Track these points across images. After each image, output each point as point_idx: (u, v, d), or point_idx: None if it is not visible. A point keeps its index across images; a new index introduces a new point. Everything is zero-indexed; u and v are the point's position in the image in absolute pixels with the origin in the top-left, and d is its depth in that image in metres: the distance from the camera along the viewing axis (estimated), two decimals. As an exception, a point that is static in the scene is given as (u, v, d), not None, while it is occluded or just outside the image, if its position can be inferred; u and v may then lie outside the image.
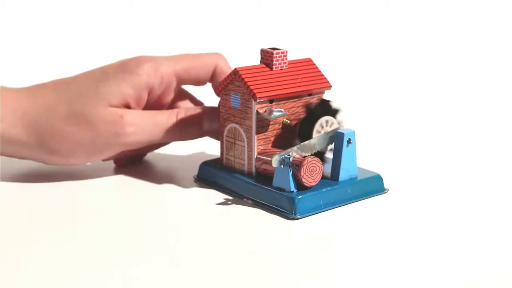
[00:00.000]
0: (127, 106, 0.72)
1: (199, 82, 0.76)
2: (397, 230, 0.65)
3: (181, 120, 0.74)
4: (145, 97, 0.73)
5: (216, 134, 0.75)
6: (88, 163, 0.78)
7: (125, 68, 0.72)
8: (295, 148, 0.68)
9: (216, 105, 0.74)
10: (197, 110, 0.74)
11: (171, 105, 0.78)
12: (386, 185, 0.72)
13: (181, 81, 0.75)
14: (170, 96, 0.76)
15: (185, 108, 0.75)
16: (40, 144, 0.72)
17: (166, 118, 0.73)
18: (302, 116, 0.72)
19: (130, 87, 0.72)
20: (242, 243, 0.63)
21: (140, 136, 0.72)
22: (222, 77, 0.74)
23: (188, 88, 0.79)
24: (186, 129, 0.74)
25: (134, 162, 0.79)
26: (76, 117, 0.71)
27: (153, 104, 0.75)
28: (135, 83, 0.72)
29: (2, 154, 0.74)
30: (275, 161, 0.67)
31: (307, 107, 0.71)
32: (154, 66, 0.73)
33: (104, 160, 0.76)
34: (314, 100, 0.72)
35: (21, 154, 0.73)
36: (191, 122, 0.74)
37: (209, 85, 0.77)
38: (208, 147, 0.81)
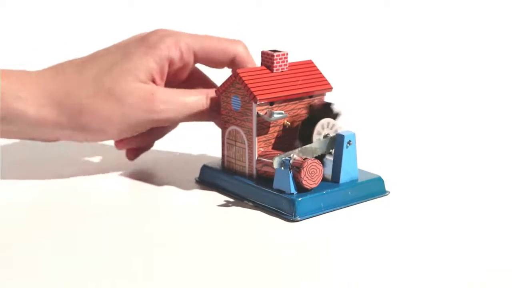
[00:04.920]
0: (153, 81, 0.73)
1: (215, 65, 0.76)
2: (398, 232, 0.65)
3: (211, 101, 0.74)
4: (166, 70, 0.73)
5: None
6: (88, 164, 0.78)
7: (147, 43, 0.73)
8: (296, 151, 0.68)
9: None
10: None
11: (186, 83, 0.78)
12: (387, 187, 0.72)
13: (198, 60, 0.75)
14: (185, 73, 0.76)
15: (214, 90, 0.75)
16: (71, 122, 0.72)
17: (197, 98, 0.73)
18: (303, 118, 0.72)
19: (153, 61, 0.72)
20: (242, 245, 0.63)
21: (170, 113, 0.72)
22: (241, 65, 0.75)
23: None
24: (214, 111, 0.74)
25: (141, 152, 0.79)
26: (106, 93, 0.71)
27: (169, 79, 0.75)
28: (157, 57, 0.72)
29: (34, 138, 0.74)
30: (276, 163, 0.67)
31: (310, 107, 0.71)
32: (175, 40, 0.73)
33: (121, 147, 0.76)
34: (316, 101, 0.72)
35: (52, 135, 0.73)
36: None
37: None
38: (210, 149, 0.81)
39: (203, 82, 0.79)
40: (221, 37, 0.76)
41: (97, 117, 0.72)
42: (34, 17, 1.26)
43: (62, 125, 0.72)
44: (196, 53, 0.74)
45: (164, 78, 0.74)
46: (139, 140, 0.77)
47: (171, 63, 0.73)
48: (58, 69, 0.74)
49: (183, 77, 0.76)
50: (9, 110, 0.71)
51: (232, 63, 0.75)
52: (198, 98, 0.73)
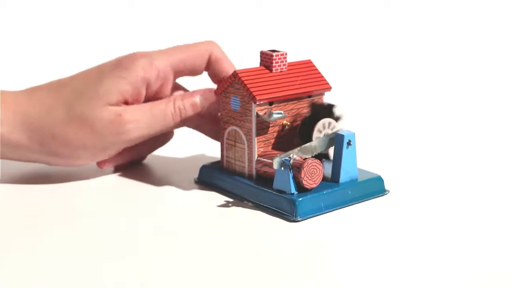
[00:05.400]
0: (126, 103, 0.73)
1: (195, 72, 0.76)
2: (398, 231, 0.65)
3: (179, 106, 0.74)
4: (143, 92, 0.73)
5: (216, 135, 0.75)
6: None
7: (120, 65, 0.73)
8: (295, 150, 0.68)
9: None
10: (192, 93, 0.74)
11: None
12: (386, 187, 0.72)
13: (177, 73, 0.75)
14: (167, 90, 0.76)
15: (180, 94, 0.75)
16: (42, 147, 0.72)
17: (164, 108, 0.73)
18: (302, 117, 0.72)
19: (126, 83, 0.72)
20: (242, 245, 0.63)
21: (141, 130, 0.73)
22: (217, 64, 0.75)
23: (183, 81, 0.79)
24: (185, 114, 0.74)
25: (134, 165, 0.79)
26: (76, 119, 0.71)
27: (152, 99, 0.75)
28: (132, 79, 0.72)
29: (6, 158, 0.74)
30: (276, 163, 0.67)
31: (313, 105, 0.71)
32: (149, 61, 0.73)
33: (104, 167, 0.76)
34: (319, 101, 0.72)
35: (24, 157, 0.74)
36: (189, 106, 0.74)
37: (204, 76, 0.77)
38: (209, 149, 0.81)
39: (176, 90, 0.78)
40: (192, 43, 0.76)
41: (69, 143, 0.72)
42: (30, 18, 1.26)
43: (33, 149, 0.72)
44: (174, 66, 0.74)
45: (141, 100, 0.73)
46: (119, 159, 0.77)
47: (148, 85, 0.73)
48: (34, 92, 0.74)
49: (167, 93, 0.76)
50: None
51: (209, 64, 0.75)
52: (165, 107, 0.73)
